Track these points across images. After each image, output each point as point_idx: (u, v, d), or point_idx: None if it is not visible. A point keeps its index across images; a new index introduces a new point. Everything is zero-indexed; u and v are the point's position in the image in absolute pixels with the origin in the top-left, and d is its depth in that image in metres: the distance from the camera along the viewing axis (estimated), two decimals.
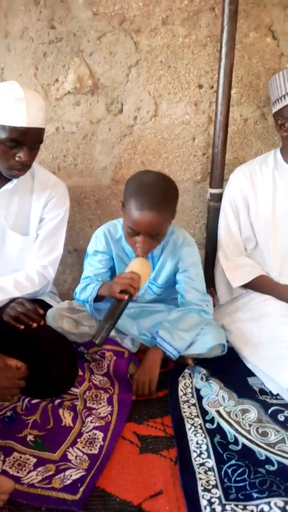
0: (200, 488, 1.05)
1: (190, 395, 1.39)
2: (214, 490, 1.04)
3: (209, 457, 1.14)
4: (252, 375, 1.48)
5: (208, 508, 0.99)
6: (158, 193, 1.34)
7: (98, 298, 1.49)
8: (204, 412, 1.31)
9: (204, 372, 1.47)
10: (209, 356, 1.51)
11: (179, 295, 1.58)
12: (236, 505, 1.00)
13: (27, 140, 1.35)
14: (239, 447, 1.18)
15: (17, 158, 1.36)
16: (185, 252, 1.54)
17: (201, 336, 1.49)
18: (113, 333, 1.50)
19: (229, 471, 1.09)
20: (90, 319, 1.54)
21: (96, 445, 1.20)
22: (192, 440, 1.20)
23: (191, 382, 1.45)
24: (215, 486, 1.05)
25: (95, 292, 1.46)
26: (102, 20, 1.68)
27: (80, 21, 1.68)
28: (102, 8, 1.67)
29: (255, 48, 1.77)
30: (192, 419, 1.28)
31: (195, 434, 1.22)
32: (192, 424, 1.26)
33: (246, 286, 1.72)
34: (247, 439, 1.21)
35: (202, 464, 1.12)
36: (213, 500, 1.02)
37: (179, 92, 1.80)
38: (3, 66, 1.73)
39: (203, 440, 1.20)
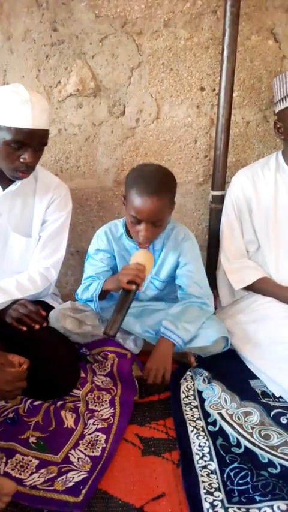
0: (202, 491, 1.04)
1: (192, 397, 1.39)
2: (217, 493, 1.04)
3: (211, 459, 1.14)
4: (255, 377, 1.48)
5: (211, 511, 0.99)
6: (156, 180, 1.40)
7: (102, 295, 1.50)
8: (206, 415, 1.31)
9: (207, 374, 1.47)
10: (213, 351, 1.52)
11: (179, 289, 1.60)
12: (239, 508, 1.00)
13: (32, 142, 1.36)
14: (242, 450, 1.18)
15: (21, 160, 1.37)
16: (186, 246, 1.56)
17: (204, 330, 1.50)
18: None
19: (232, 474, 1.09)
20: (94, 319, 1.55)
21: (98, 447, 1.19)
22: (194, 442, 1.20)
23: (193, 385, 1.44)
24: (218, 489, 1.05)
25: (100, 288, 1.47)
26: (104, 22, 1.69)
27: (82, 23, 1.68)
28: (104, 11, 1.67)
29: (257, 51, 1.77)
30: (195, 421, 1.28)
31: (197, 437, 1.22)
32: (195, 427, 1.26)
33: (248, 288, 1.72)
34: (249, 441, 1.21)
35: (204, 467, 1.12)
36: (215, 503, 1.02)
37: (181, 95, 1.80)
38: (6, 68, 1.73)
39: (205, 442, 1.20)
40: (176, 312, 1.52)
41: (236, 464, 1.12)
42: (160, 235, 1.51)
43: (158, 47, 1.73)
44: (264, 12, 1.72)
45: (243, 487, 1.05)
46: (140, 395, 1.41)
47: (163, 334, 1.46)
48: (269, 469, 1.11)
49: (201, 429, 1.25)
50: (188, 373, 1.49)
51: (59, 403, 1.33)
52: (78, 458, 1.16)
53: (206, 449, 1.18)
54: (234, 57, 1.66)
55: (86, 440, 1.22)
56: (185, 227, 1.62)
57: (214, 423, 1.28)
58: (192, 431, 1.24)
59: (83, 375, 1.46)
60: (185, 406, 1.35)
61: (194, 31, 1.72)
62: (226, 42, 1.64)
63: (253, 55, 1.78)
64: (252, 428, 1.25)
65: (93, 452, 1.18)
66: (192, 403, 1.36)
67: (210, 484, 1.07)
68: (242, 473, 1.09)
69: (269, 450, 1.18)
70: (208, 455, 1.16)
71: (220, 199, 1.83)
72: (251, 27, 1.73)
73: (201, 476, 1.09)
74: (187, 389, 1.42)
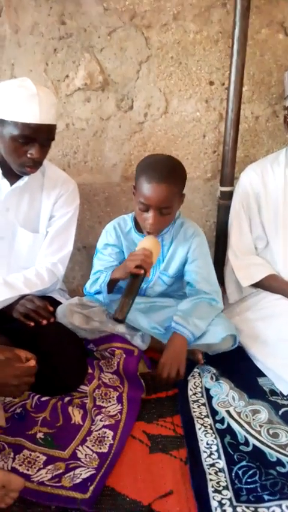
0: (210, 489, 1.04)
1: (200, 395, 1.38)
2: (225, 491, 1.04)
3: (219, 457, 1.14)
4: (263, 375, 1.47)
5: (219, 509, 0.99)
6: (166, 168, 1.41)
7: (110, 287, 1.49)
8: (214, 412, 1.30)
9: (214, 371, 1.46)
10: (221, 349, 1.51)
11: (188, 285, 1.59)
12: (247, 507, 0.99)
13: (40, 137, 1.35)
14: (250, 448, 1.17)
15: (28, 155, 1.36)
16: (195, 242, 1.56)
17: (213, 327, 1.49)
18: (123, 330, 1.50)
19: (240, 472, 1.09)
20: (101, 315, 1.54)
21: (105, 444, 1.19)
22: (202, 440, 1.19)
23: (201, 382, 1.44)
24: (226, 487, 1.05)
25: (108, 277, 1.47)
26: (112, 15, 1.67)
27: (91, 16, 1.66)
28: (112, 3, 1.65)
29: (267, 45, 1.75)
30: (202, 419, 1.28)
31: (205, 435, 1.21)
32: (202, 424, 1.25)
33: (255, 285, 1.70)
34: (258, 440, 1.20)
35: (212, 465, 1.11)
36: (223, 501, 1.01)
37: (189, 89, 1.78)
38: (14, 62, 1.72)
39: (213, 440, 1.19)
40: (186, 308, 1.51)
41: (244, 463, 1.11)
42: (168, 226, 1.51)
43: (167, 40, 1.71)
44: (274, 5, 1.70)
45: (252, 486, 1.04)
46: (147, 392, 1.40)
47: (175, 329, 1.45)
48: (278, 468, 1.10)
49: (209, 427, 1.24)
50: (195, 370, 1.49)
51: (67, 399, 1.33)
52: (85, 455, 1.15)
53: (214, 447, 1.17)
54: (244, 51, 1.64)
55: (94, 437, 1.21)
56: (195, 223, 1.61)
57: (222, 421, 1.27)
58: (200, 428, 1.23)
59: (90, 371, 1.45)
60: (193, 404, 1.34)
61: (203, 24, 1.70)
62: (236, 36, 1.63)
63: (263, 49, 1.75)
64: (261, 426, 1.25)
65: (100, 448, 1.18)
66: (199, 401, 1.36)
67: (218, 482, 1.06)
68: (250, 472, 1.08)
69: (278, 449, 1.17)
70: (216, 453, 1.15)
71: (228, 195, 1.81)
72: (261, 21, 1.71)
73: (209, 474, 1.09)
74: (195, 387, 1.41)
